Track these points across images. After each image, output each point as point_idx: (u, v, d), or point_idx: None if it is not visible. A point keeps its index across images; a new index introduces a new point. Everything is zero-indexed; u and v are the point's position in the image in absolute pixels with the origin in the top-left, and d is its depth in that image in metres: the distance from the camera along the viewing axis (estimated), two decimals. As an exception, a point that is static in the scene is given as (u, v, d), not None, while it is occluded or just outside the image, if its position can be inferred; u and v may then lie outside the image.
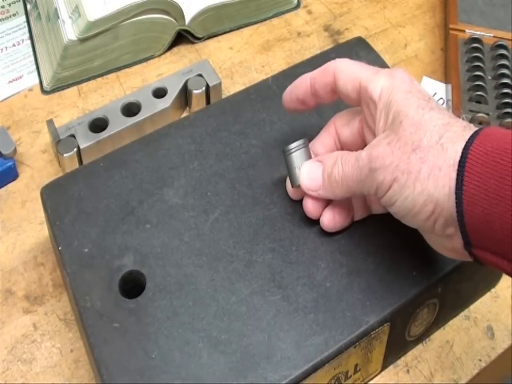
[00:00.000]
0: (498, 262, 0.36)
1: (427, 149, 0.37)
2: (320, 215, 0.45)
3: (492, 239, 0.35)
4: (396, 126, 0.39)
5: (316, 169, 0.44)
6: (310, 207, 0.45)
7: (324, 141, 0.46)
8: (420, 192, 0.37)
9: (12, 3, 0.73)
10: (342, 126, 0.46)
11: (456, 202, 0.36)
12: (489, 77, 0.64)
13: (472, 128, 0.37)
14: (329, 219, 0.45)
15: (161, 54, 0.69)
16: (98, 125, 0.59)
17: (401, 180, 0.37)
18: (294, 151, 0.45)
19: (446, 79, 0.66)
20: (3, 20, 0.72)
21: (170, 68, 0.68)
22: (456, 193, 0.36)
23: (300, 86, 0.46)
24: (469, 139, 0.36)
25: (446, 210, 0.36)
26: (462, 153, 0.36)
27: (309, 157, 0.45)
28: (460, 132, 0.37)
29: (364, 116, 0.43)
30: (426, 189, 0.37)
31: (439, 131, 0.37)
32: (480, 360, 0.49)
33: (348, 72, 0.43)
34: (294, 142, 0.45)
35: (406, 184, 0.37)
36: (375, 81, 0.41)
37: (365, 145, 0.42)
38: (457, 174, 0.36)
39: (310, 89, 0.45)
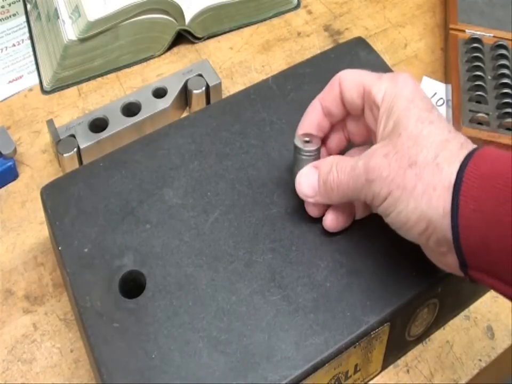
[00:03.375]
0: (495, 284, 0.36)
1: (423, 166, 0.37)
2: (323, 214, 0.45)
3: (489, 261, 0.35)
4: (395, 137, 0.39)
5: (312, 176, 0.44)
6: (312, 207, 0.45)
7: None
8: (413, 208, 0.37)
9: (12, 3, 0.73)
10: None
11: (452, 226, 0.36)
12: (489, 77, 0.64)
13: (469, 147, 0.37)
14: (332, 220, 0.45)
15: (161, 54, 0.69)
16: (98, 125, 0.59)
17: (396, 194, 0.38)
18: (305, 157, 0.45)
19: (446, 79, 0.66)
20: (3, 19, 0.72)
21: (170, 68, 0.68)
22: (451, 216, 0.36)
23: (311, 111, 0.46)
24: (464, 160, 0.36)
25: (439, 230, 0.37)
26: (457, 175, 0.36)
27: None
28: (456, 151, 0.37)
29: (367, 121, 0.44)
30: (420, 206, 0.37)
31: (435, 149, 0.37)
32: (480, 360, 0.49)
33: (352, 80, 0.43)
34: (309, 142, 0.45)
35: (400, 198, 0.38)
36: (378, 84, 0.42)
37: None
38: (453, 198, 0.36)
39: (322, 110, 0.45)
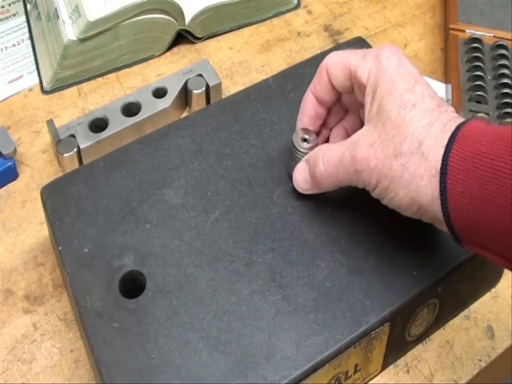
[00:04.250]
0: (487, 255, 0.37)
1: (408, 156, 0.38)
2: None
3: (480, 237, 0.36)
4: (379, 125, 0.40)
5: (304, 170, 0.45)
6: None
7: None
8: (403, 196, 0.39)
9: (12, 3, 0.73)
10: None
11: (442, 209, 0.37)
12: (489, 77, 0.64)
13: (452, 127, 0.38)
14: None
15: (161, 54, 0.69)
16: (98, 125, 0.59)
17: (384, 183, 0.39)
18: (300, 154, 0.46)
19: (446, 79, 0.66)
20: (3, 19, 0.72)
21: (170, 68, 0.68)
22: (441, 200, 0.37)
23: (306, 104, 0.47)
24: (447, 144, 0.37)
25: (431, 212, 0.38)
26: (443, 161, 0.37)
27: None
28: (439, 135, 0.37)
29: (359, 100, 0.44)
30: (409, 194, 0.38)
31: (418, 136, 0.38)
32: (480, 360, 0.49)
33: (338, 63, 0.44)
34: (306, 141, 0.46)
35: (389, 188, 0.39)
36: (363, 65, 0.42)
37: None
38: (440, 183, 0.37)
39: (316, 100, 0.46)
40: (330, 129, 0.48)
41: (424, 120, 0.38)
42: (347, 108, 0.47)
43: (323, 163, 0.43)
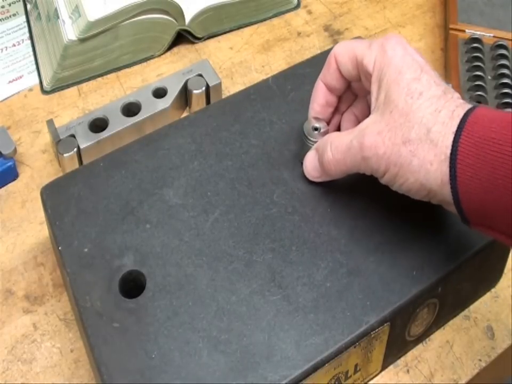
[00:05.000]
0: (496, 235, 0.38)
1: (416, 143, 0.39)
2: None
3: (488, 218, 0.37)
4: (387, 114, 0.40)
5: (314, 158, 0.46)
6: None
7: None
8: (412, 181, 0.39)
9: (12, 3, 0.73)
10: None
11: (451, 192, 0.38)
12: (489, 77, 0.64)
13: (460, 114, 0.38)
14: None
15: (161, 54, 0.69)
16: (98, 125, 0.59)
17: (394, 170, 0.40)
18: (311, 143, 0.47)
19: (446, 79, 0.66)
20: (3, 19, 0.72)
21: (170, 68, 0.68)
22: (451, 185, 0.38)
23: (317, 92, 0.48)
24: (456, 130, 0.38)
25: (440, 195, 0.39)
26: (452, 147, 0.37)
27: None
28: (448, 121, 0.38)
29: (365, 87, 0.45)
30: (419, 179, 0.39)
31: (426, 124, 0.39)
32: (480, 360, 0.49)
33: (345, 52, 0.45)
34: (317, 130, 0.47)
35: (399, 174, 0.40)
36: (369, 54, 0.43)
37: None
38: (450, 168, 0.37)
39: (326, 88, 0.47)
40: (342, 114, 0.49)
41: (431, 107, 0.39)
42: (356, 93, 0.48)
43: (331, 150, 0.44)
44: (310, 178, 0.47)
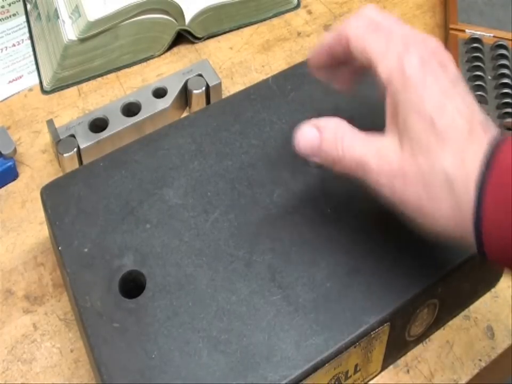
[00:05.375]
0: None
1: (438, 189, 0.36)
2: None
3: (509, 257, 0.35)
4: (406, 145, 0.37)
5: (312, 137, 0.41)
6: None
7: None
8: (428, 227, 0.38)
9: (12, 3, 0.73)
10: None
11: (476, 245, 0.36)
12: (489, 77, 0.64)
13: (483, 152, 0.35)
14: None
15: (161, 54, 0.69)
16: (98, 125, 0.59)
17: (407, 210, 0.38)
18: None
19: (446, 79, 0.66)
20: (3, 19, 0.72)
21: (170, 68, 0.68)
22: (475, 236, 0.36)
23: (320, 49, 0.43)
24: (480, 186, 0.35)
25: (459, 239, 0.37)
26: (476, 200, 0.35)
27: None
28: (471, 168, 0.35)
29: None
30: (435, 227, 0.37)
31: (448, 173, 0.36)
32: (480, 360, 0.49)
33: (359, 45, 0.40)
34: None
35: (411, 215, 0.38)
36: (383, 61, 0.38)
37: None
38: (474, 224, 0.35)
39: (329, 51, 0.43)
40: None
41: (455, 155, 0.36)
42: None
43: (342, 150, 0.39)
44: (302, 155, 0.42)
